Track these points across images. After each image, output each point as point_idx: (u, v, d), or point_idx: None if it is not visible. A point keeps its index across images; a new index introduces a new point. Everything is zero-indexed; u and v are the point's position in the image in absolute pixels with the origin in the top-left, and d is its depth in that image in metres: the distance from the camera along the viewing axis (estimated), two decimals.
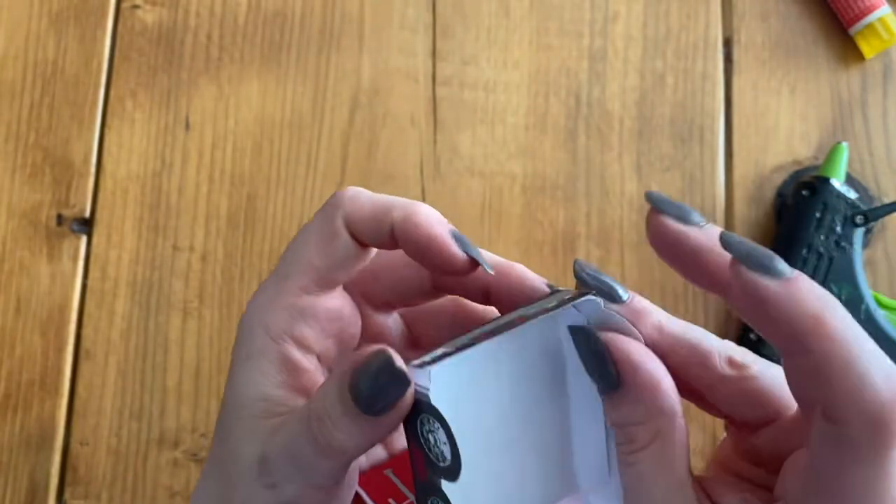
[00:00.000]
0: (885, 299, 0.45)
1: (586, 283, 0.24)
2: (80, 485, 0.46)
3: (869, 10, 0.48)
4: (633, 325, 0.23)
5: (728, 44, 0.51)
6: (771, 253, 0.21)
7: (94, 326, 0.48)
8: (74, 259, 0.49)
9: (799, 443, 0.22)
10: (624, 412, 0.23)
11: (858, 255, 0.45)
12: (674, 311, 0.47)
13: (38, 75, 0.51)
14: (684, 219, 0.22)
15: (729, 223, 0.49)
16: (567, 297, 0.24)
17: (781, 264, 0.20)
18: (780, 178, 0.49)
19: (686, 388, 0.24)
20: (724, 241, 0.21)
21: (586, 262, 0.24)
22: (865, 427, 0.19)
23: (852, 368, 0.19)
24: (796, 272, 0.20)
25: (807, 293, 0.20)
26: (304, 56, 0.51)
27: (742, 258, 0.21)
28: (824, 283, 0.45)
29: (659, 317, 0.24)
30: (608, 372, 0.23)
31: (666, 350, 0.23)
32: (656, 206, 0.22)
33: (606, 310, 0.23)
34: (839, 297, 0.44)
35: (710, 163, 0.49)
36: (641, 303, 0.24)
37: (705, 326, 0.47)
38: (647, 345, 0.23)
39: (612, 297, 0.24)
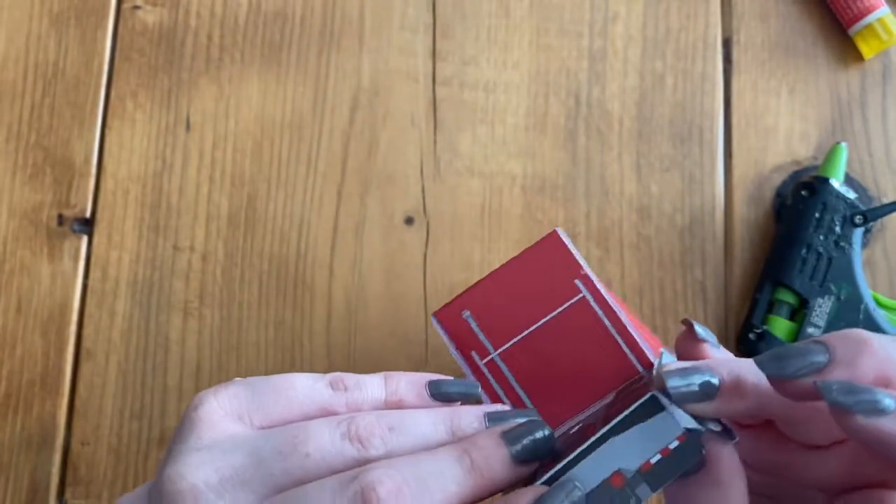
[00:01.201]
0: (885, 299, 0.45)
1: (683, 399, 0.25)
2: (81, 484, 0.46)
3: (868, 11, 0.48)
4: (738, 398, 0.25)
5: (728, 44, 0.51)
6: (870, 391, 0.22)
7: (95, 326, 0.48)
8: (75, 259, 0.49)
9: (869, 472, 0.24)
10: (704, 496, 0.24)
11: (858, 255, 0.45)
12: (673, 310, 0.47)
13: (39, 76, 0.51)
14: (814, 367, 0.23)
15: (728, 223, 0.49)
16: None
17: (888, 398, 0.21)
18: (780, 179, 0.49)
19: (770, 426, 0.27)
20: (826, 396, 0.22)
21: (668, 373, 0.25)
22: None
23: None
24: None
25: None
26: (305, 56, 0.51)
27: (850, 408, 0.22)
28: (823, 282, 0.45)
29: (750, 377, 0.25)
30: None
31: (771, 400, 0.25)
32: (777, 376, 0.23)
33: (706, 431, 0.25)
34: (838, 297, 0.44)
35: (710, 163, 0.49)
36: (732, 372, 0.25)
37: (704, 325, 0.47)
38: (756, 409, 0.25)
39: (709, 394, 0.24)
